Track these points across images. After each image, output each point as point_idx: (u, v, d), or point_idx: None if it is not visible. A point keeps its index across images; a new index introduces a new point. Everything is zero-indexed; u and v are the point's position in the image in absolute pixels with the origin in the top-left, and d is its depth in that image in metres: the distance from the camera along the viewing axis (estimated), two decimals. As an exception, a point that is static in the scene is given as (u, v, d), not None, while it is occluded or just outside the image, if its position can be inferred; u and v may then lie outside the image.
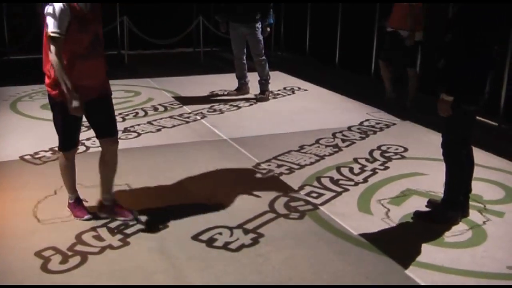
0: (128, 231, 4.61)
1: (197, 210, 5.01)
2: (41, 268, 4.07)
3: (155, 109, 8.44)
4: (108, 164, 4.83)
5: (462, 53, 4.40)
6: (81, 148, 6.56)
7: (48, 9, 4.31)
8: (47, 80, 4.60)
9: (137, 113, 8.19)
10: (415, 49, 8.52)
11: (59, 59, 4.31)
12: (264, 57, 9.04)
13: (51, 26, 4.29)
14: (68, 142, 4.73)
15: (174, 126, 7.58)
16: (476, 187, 5.15)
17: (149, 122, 7.70)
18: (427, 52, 9.07)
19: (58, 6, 4.28)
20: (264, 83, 9.12)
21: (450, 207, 4.84)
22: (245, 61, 9.22)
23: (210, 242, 4.46)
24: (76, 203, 4.90)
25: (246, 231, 4.66)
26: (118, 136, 4.89)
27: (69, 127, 4.65)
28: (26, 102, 8.77)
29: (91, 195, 5.05)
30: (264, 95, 9.09)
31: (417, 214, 4.94)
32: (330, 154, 6.51)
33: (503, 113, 7.81)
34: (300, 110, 8.52)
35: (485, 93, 4.61)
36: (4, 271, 4.03)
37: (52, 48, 4.31)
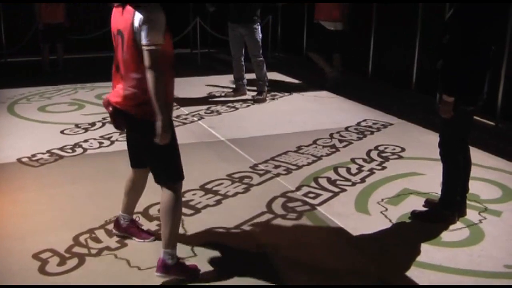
0: (126, 232, 4.61)
1: (195, 211, 5.02)
2: (38, 270, 4.07)
3: (153, 110, 8.42)
4: (138, 191, 4.43)
5: (458, 54, 4.40)
6: (78, 150, 6.58)
7: (144, 15, 3.62)
8: (128, 102, 3.84)
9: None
10: (335, 37, 9.87)
11: (163, 76, 3.67)
12: (261, 58, 9.05)
13: (152, 36, 3.61)
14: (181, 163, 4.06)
15: (171, 127, 7.57)
16: (474, 187, 5.16)
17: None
18: (425, 52, 9.09)
19: (157, 11, 3.67)
20: (261, 84, 9.12)
21: (447, 207, 4.85)
22: (243, 62, 9.23)
23: (208, 243, 4.46)
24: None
25: (244, 232, 4.66)
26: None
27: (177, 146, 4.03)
28: (24, 104, 8.76)
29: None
30: (261, 96, 9.09)
31: (415, 214, 4.95)
32: (328, 155, 6.51)
33: (500, 112, 7.81)
34: (297, 110, 8.53)
35: (483, 93, 4.61)
36: (1, 273, 4.02)
37: (153, 63, 3.61)
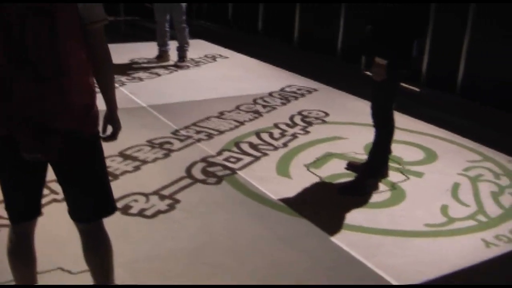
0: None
1: (112, 178, 4.84)
2: None
3: (72, 77, 8.16)
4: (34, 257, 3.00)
5: (393, 19, 4.32)
6: None
7: None
8: (79, 114, 2.66)
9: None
10: None
11: None
12: (185, 25, 8.87)
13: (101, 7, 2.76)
14: None
15: (90, 94, 7.33)
16: (397, 149, 5.16)
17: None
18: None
19: None
20: (183, 49, 8.95)
21: (373, 174, 4.80)
22: (167, 29, 9.03)
23: (125, 210, 4.30)
24: None
25: (162, 197, 4.52)
26: None
27: None
28: None
29: None
30: (183, 62, 8.93)
31: (341, 190, 4.82)
32: (250, 120, 6.41)
33: (425, 79, 7.84)
34: (222, 77, 8.38)
35: (412, 57, 4.56)
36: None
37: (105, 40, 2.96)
